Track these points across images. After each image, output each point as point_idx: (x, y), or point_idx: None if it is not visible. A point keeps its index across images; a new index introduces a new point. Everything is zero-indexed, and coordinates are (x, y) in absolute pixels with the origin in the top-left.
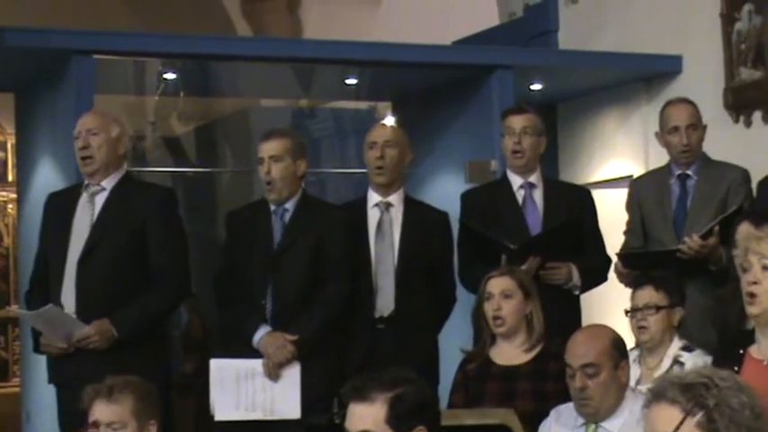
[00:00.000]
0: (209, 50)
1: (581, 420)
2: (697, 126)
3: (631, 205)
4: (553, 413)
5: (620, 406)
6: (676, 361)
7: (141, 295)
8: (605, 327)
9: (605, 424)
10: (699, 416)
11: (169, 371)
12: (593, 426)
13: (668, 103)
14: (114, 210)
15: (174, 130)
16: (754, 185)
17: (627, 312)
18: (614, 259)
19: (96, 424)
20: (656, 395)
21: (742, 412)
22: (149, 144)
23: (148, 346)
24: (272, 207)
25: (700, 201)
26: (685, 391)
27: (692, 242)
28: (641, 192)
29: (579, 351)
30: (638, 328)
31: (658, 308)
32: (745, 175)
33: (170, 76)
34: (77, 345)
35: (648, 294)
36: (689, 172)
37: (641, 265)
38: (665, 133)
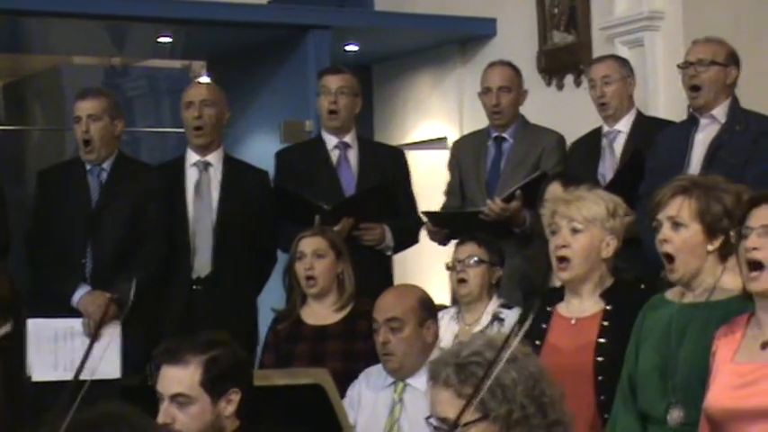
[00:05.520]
0: (18, 5)
1: (390, 380)
2: (510, 89)
3: (451, 166)
4: (362, 376)
5: (426, 364)
6: (496, 317)
7: None
8: (415, 286)
9: (412, 381)
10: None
11: None
12: (401, 384)
13: (488, 65)
14: None
15: None
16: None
17: (448, 267)
18: (424, 218)
19: None
20: (434, 377)
21: (515, 389)
22: None
23: None
24: (88, 167)
25: (513, 163)
26: (459, 373)
27: (493, 205)
28: (460, 153)
29: (385, 306)
30: (458, 281)
31: (480, 261)
32: (560, 140)
33: None
34: None
35: (470, 248)
36: (505, 135)
37: (448, 224)
38: (480, 93)
